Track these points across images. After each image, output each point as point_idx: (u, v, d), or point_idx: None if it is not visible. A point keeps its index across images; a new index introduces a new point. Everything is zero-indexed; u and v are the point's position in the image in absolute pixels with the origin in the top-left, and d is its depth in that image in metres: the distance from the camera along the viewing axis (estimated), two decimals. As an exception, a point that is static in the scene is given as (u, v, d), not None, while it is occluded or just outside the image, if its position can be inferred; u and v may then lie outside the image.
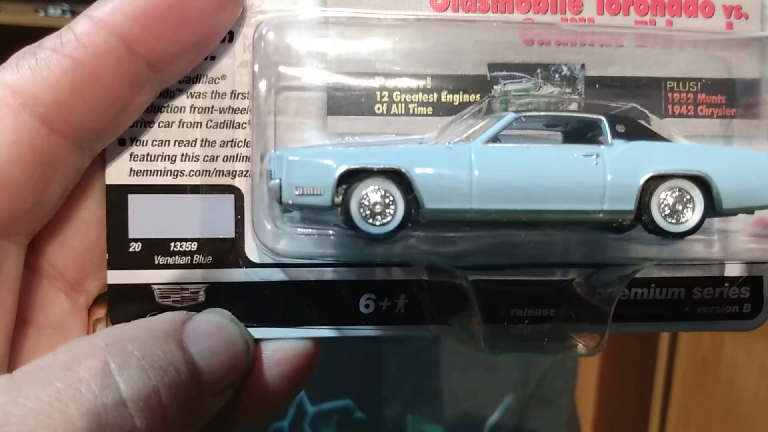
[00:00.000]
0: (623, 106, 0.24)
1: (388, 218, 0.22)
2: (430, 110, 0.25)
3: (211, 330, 0.23)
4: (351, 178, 0.22)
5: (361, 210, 0.22)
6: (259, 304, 0.24)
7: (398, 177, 0.22)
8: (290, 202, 0.22)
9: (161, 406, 0.20)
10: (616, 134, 0.23)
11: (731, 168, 0.23)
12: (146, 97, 0.22)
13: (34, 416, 0.18)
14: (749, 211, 0.24)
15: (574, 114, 0.24)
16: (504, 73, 0.25)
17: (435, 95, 0.24)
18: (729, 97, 0.26)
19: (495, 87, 0.25)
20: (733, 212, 0.24)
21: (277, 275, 0.24)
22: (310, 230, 0.24)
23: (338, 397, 0.79)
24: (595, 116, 0.23)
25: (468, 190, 0.22)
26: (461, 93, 0.25)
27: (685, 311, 0.26)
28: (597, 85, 0.25)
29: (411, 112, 0.24)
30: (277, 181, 0.22)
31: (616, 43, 0.25)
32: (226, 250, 0.24)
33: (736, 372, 1.94)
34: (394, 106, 0.24)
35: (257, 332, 0.24)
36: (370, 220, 0.22)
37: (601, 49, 0.25)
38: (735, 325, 0.27)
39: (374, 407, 0.80)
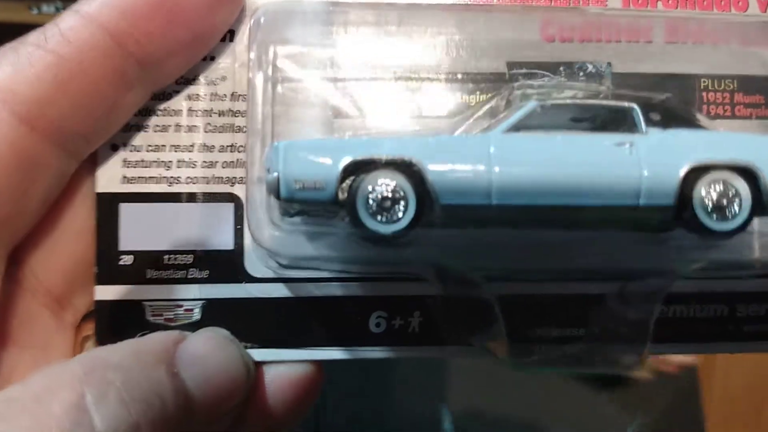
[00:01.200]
0: (657, 96, 0.22)
1: (399, 215, 0.20)
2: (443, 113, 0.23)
3: (207, 351, 0.21)
4: (357, 170, 0.20)
5: (369, 206, 0.20)
6: (260, 322, 0.22)
7: (409, 169, 0.20)
8: (290, 197, 0.20)
9: None
10: (650, 122, 0.21)
11: None
12: (137, 98, 0.21)
13: None
14: None
15: (603, 102, 0.22)
16: (524, 71, 0.23)
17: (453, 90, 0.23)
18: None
19: (513, 85, 0.23)
20: None
21: (280, 291, 0.22)
22: (312, 229, 0.21)
23: None
24: (626, 104, 0.21)
25: (487, 184, 0.20)
26: (477, 93, 0.23)
27: (729, 330, 0.24)
28: (625, 84, 0.23)
29: (423, 114, 0.23)
30: (275, 175, 0.20)
31: (645, 39, 0.24)
32: (224, 264, 0.22)
33: (729, 371, 1.85)
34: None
35: (258, 354, 0.22)
36: (379, 218, 0.20)
37: (629, 45, 0.24)
38: None
39: None
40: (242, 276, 0.22)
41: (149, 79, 0.21)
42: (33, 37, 0.19)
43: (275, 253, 0.21)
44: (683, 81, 0.24)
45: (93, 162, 0.22)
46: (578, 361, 0.22)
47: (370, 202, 0.20)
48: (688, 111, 0.22)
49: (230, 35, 0.22)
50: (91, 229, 0.22)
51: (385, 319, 0.23)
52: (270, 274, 0.22)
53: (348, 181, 0.20)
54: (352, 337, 0.23)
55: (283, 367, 0.22)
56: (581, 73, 0.23)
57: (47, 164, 0.20)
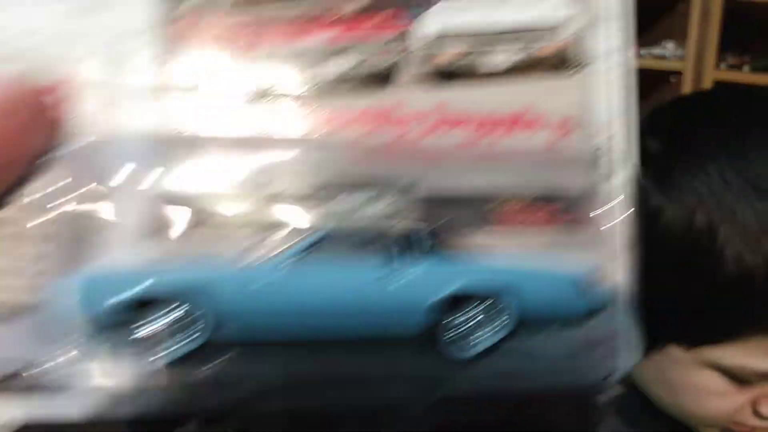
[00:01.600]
0: (438, 221, 0.25)
1: (183, 340, 0.22)
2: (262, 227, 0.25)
3: None
4: (145, 301, 0.22)
5: (154, 335, 0.22)
6: None
7: (195, 298, 0.22)
8: (79, 330, 0.22)
9: None
10: (420, 249, 0.24)
11: (525, 284, 0.23)
12: None
13: None
14: (551, 328, 0.24)
15: (376, 233, 0.24)
16: (338, 187, 0.26)
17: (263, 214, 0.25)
18: (561, 207, 0.27)
19: (327, 203, 0.25)
20: (532, 332, 0.23)
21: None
22: None
23: None
24: (397, 235, 0.24)
25: (263, 310, 0.22)
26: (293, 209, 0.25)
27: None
28: (431, 199, 0.26)
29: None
30: (66, 308, 0.22)
31: (452, 158, 0.27)
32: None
33: None
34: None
35: None
36: (164, 345, 0.22)
37: (436, 164, 0.26)
38: None
39: None
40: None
41: None
42: None
43: None
44: (484, 194, 0.27)
45: None
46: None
47: (154, 334, 0.22)
48: (462, 237, 0.25)
49: None
50: None
51: None
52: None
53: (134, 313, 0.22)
54: None
55: None
56: (391, 189, 0.26)
57: None
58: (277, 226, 0.25)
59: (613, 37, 0.27)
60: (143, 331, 0.22)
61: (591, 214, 0.27)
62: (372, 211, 0.26)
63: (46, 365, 0.22)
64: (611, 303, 0.24)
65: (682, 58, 1.73)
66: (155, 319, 0.22)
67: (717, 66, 1.72)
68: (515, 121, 0.27)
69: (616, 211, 0.27)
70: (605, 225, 0.27)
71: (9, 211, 0.24)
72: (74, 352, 0.22)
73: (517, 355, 0.24)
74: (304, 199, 0.25)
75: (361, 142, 0.26)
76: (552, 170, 0.27)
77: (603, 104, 0.27)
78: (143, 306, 0.22)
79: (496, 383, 0.23)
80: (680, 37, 1.74)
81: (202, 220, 0.24)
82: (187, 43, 0.25)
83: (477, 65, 0.27)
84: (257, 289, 0.22)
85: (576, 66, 0.27)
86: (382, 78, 0.26)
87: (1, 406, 0.22)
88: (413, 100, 0.26)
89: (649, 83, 1.78)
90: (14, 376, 0.22)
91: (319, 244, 0.23)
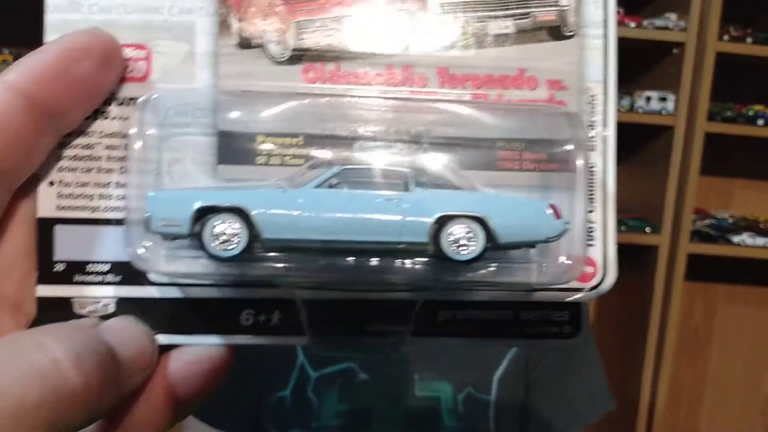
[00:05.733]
0: (434, 163, 0.31)
1: (234, 245, 0.29)
2: (302, 162, 0.31)
3: (120, 326, 0.29)
4: (204, 213, 0.29)
5: (212, 238, 0.29)
6: (157, 315, 0.30)
7: (241, 213, 0.29)
8: (157, 231, 0.29)
9: (87, 367, 0.25)
10: (419, 184, 0.30)
11: (505, 210, 0.30)
12: (49, 142, 0.29)
13: None
14: (527, 245, 0.31)
15: (386, 168, 0.30)
16: (362, 132, 0.31)
17: (306, 150, 0.31)
18: (549, 155, 0.32)
19: (354, 145, 0.31)
20: (512, 246, 0.30)
21: (173, 292, 0.31)
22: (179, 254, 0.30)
23: (341, 361, 0.79)
24: (403, 169, 0.30)
25: (295, 224, 0.29)
26: (327, 149, 0.31)
27: (513, 331, 0.32)
28: (439, 144, 0.31)
29: (286, 163, 0.31)
30: (148, 215, 0.29)
31: (456, 110, 0.31)
32: (132, 271, 0.30)
33: (727, 341, 2.04)
34: (272, 158, 0.31)
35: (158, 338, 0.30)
36: (219, 247, 0.29)
37: (444, 115, 0.31)
38: (557, 343, 0.33)
39: (378, 368, 0.80)
40: (145, 281, 0.30)
41: (57, 127, 0.28)
42: None
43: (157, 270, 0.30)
44: (483, 142, 0.31)
45: (24, 193, 0.29)
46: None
47: (213, 236, 0.29)
48: (449, 177, 0.31)
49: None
50: (32, 247, 0.29)
51: (252, 315, 0.31)
52: (166, 280, 0.30)
53: (199, 221, 0.29)
54: (228, 329, 0.31)
55: (191, 349, 0.30)
56: (405, 136, 0.31)
57: None
58: (312, 159, 0.31)
59: (601, 9, 0.31)
60: (204, 235, 0.29)
61: (572, 164, 0.31)
62: (388, 152, 0.31)
63: (133, 258, 0.29)
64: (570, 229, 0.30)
65: (684, 30, 1.75)
66: (213, 225, 0.29)
67: (720, 38, 1.74)
68: (514, 79, 0.31)
69: (594, 162, 0.31)
70: (583, 174, 0.31)
71: (91, 139, 0.30)
72: (151, 248, 0.29)
73: (501, 259, 0.31)
74: (337, 140, 0.31)
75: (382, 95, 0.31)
76: (542, 123, 0.32)
77: (591, 68, 0.32)
78: (203, 215, 0.29)
79: (484, 278, 0.31)
80: (683, 9, 1.76)
81: (254, 154, 0.30)
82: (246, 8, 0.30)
83: (484, 29, 0.31)
84: (294, 206, 0.29)
85: (571, 32, 0.31)
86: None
87: (101, 290, 0.30)
88: (421, 63, 0.31)
89: (652, 55, 1.80)
90: (112, 266, 0.30)
91: (342, 174, 0.30)
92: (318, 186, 0.29)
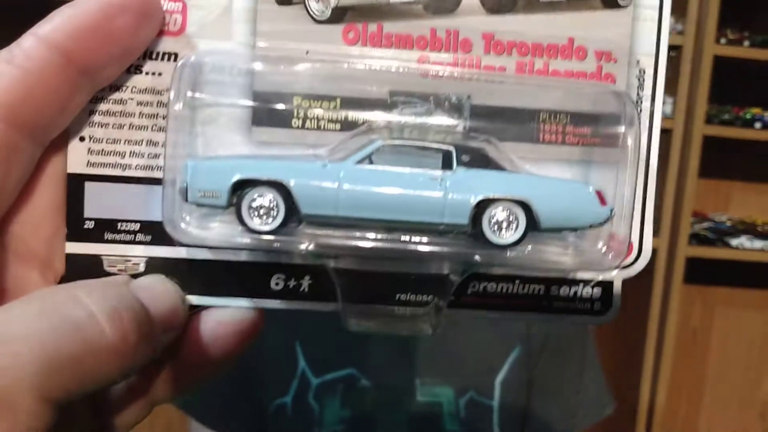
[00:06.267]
0: (478, 139, 0.30)
1: (272, 219, 0.28)
2: (338, 126, 0.29)
3: (152, 284, 0.28)
4: (243, 185, 0.28)
5: (250, 211, 0.28)
6: (188, 276, 0.29)
7: (280, 187, 0.28)
8: (194, 202, 0.28)
9: (122, 321, 0.24)
10: (461, 163, 0.29)
11: (549, 194, 0.29)
12: (83, 98, 0.27)
13: (24, 321, 0.22)
14: (570, 230, 0.30)
15: (430, 144, 0.29)
16: (402, 98, 0.29)
17: (343, 114, 0.29)
18: (593, 129, 0.30)
19: (393, 110, 0.29)
20: (554, 230, 0.30)
21: (204, 254, 0.30)
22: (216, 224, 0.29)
23: (342, 367, 0.79)
24: (445, 146, 0.29)
25: (335, 201, 0.28)
26: (365, 113, 0.29)
27: (543, 305, 0.31)
28: (480, 113, 0.30)
29: (322, 127, 0.29)
30: (185, 185, 0.28)
31: (499, 80, 0.30)
32: (162, 231, 0.29)
33: (725, 344, 2.05)
34: (308, 121, 0.29)
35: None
36: (257, 220, 0.28)
37: (486, 84, 0.30)
38: (587, 320, 0.32)
39: (379, 374, 0.79)
40: (175, 241, 0.29)
41: (91, 83, 0.27)
42: (2, 55, 0.25)
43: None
44: (526, 114, 0.30)
45: (55, 149, 0.28)
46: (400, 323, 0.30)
47: (251, 209, 0.28)
48: (493, 156, 0.30)
49: (174, 57, 0.29)
50: (61, 203, 0.28)
51: (283, 280, 0.30)
52: (197, 242, 0.29)
53: (237, 193, 0.28)
54: (258, 292, 0.30)
55: (221, 311, 0.29)
56: (446, 103, 0.29)
57: (21, 151, 0.26)
58: (352, 127, 0.29)
59: None
60: (242, 207, 0.28)
61: (618, 140, 0.30)
62: (429, 120, 0.29)
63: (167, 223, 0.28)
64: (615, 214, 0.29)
65: (681, 33, 1.75)
66: (251, 198, 0.28)
67: (717, 41, 1.75)
68: (562, 49, 0.30)
69: (641, 140, 0.30)
70: (630, 150, 0.30)
71: (123, 94, 0.29)
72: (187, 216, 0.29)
73: (542, 243, 0.30)
74: (375, 104, 0.29)
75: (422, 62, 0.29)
76: (588, 96, 0.31)
77: (642, 40, 0.31)
78: (242, 187, 0.28)
79: (523, 262, 0.30)
80: (680, 12, 1.76)
81: (290, 116, 0.29)
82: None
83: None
84: (334, 181, 0.28)
85: (625, 2, 0.30)
86: (445, 4, 0.29)
87: (131, 249, 0.29)
88: (467, 27, 0.30)
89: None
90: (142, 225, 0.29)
91: (383, 150, 0.29)
92: (359, 162, 0.28)
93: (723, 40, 1.78)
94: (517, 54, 0.30)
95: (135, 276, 0.29)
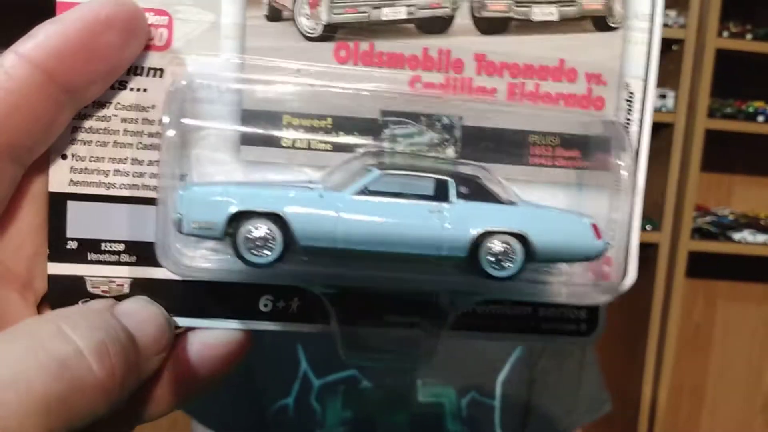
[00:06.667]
0: (473, 169, 0.30)
1: (269, 251, 0.28)
2: (329, 147, 0.29)
3: (137, 309, 0.27)
4: (239, 218, 0.27)
5: (247, 243, 0.27)
6: (175, 298, 0.29)
7: (278, 220, 0.27)
8: (189, 233, 0.27)
9: (110, 356, 0.24)
10: (460, 194, 0.29)
11: (546, 227, 0.29)
12: (66, 117, 0.27)
13: (9, 362, 0.22)
14: (565, 261, 0.30)
15: (428, 175, 0.29)
16: (393, 118, 0.29)
17: (334, 134, 0.29)
18: (583, 152, 0.31)
19: (384, 130, 0.29)
20: (550, 262, 0.30)
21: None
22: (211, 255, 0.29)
23: (343, 369, 0.79)
24: (445, 178, 0.29)
25: (333, 233, 0.27)
26: (356, 133, 0.29)
27: (531, 326, 0.32)
28: (471, 135, 0.30)
29: (312, 147, 0.29)
30: (179, 216, 0.27)
31: (491, 101, 0.30)
32: (148, 252, 0.28)
33: (728, 337, 2.05)
34: (298, 141, 0.29)
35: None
36: (254, 252, 0.27)
37: (477, 105, 0.30)
38: (573, 341, 0.32)
39: (381, 375, 0.79)
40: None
41: (75, 102, 0.27)
42: None
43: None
44: (516, 135, 0.30)
45: (37, 167, 0.28)
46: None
47: (248, 240, 0.27)
48: (490, 187, 0.30)
49: (160, 72, 0.28)
50: (43, 223, 0.28)
51: (271, 302, 0.30)
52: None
53: (233, 224, 0.27)
54: (246, 314, 0.30)
55: (208, 332, 0.29)
56: (438, 123, 0.30)
57: (2, 171, 0.25)
58: (342, 147, 0.29)
59: (649, 1, 0.30)
60: (238, 240, 0.28)
61: (608, 163, 0.30)
62: (419, 141, 0.29)
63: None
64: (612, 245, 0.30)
65: (683, 27, 1.74)
66: (248, 230, 0.27)
67: (719, 34, 1.74)
68: (553, 71, 0.30)
69: (630, 162, 0.30)
70: (620, 173, 0.30)
71: (107, 111, 0.28)
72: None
73: (540, 275, 0.30)
74: (365, 125, 0.29)
75: (413, 82, 0.29)
76: (578, 118, 0.31)
77: (632, 63, 0.31)
78: (238, 219, 0.28)
79: (521, 294, 0.30)
80: (682, 6, 1.75)
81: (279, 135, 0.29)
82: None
83: (528, 15, 0.30)
84: (332, 214, 0.27)
85: (616, 24, 0.30)
86: (437, 24, 0.30)
87: (115, 270, 0.29)
88: (459, 47, 0.30)
89: (652, 49, 1.79)
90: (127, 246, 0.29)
91: (382, 180, 0.28)
92: (357, 193, 0.28)
93: (725, 34, 1.77)
94: (509, 75, 0.30)
95: (119, 298, 0.28)
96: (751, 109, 1.82)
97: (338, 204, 0.28)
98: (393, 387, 0.80)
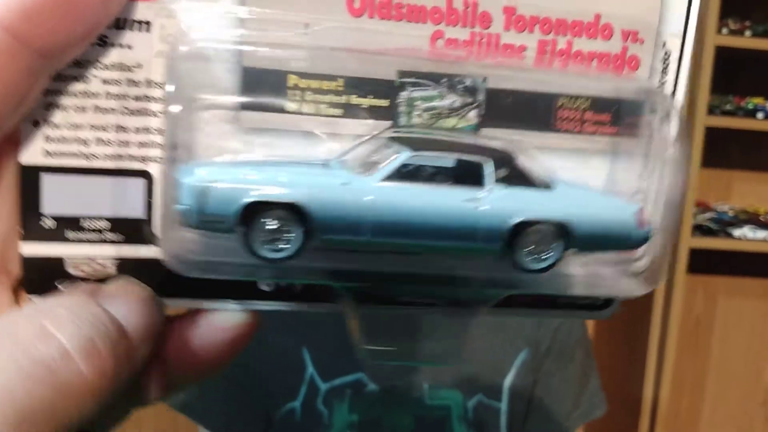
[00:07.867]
0: (504, 145, 0.27)
1: (286, 245, 0.24)
2: (340, 111, 0.26)
3: (124, 293, 0.24)
4: (253, 209, 0.24)
5: (261, 238, 0.24)
6: (167, 278, 0.25)
7: (297, 210, 0.24)
8: (196, 227, 0.24)
9: (99, 354, 0.21)
10: (495, 178, 0.26)
11: (587, 215, 0.26)
12: (42, 83, 0.23)
13: None
14: (604, 250, 0.28)
15: (463, 156, 0.26)
16: (412, 80, 0.26)
17: (345, 97, 0.26)
18: (614, 116, 0.28)
19: (401, 93, 0.26)
20: (588, 251, 0.27)
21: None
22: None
23: (349, 372, 0.78)
24: (479, 161, 0.26)
25: (358, 225, 0.24)
26: (370, 96, 0.26)
27: (547, 302, 0.29)
28: (496, 97, 0.27)
29: (321, 111, 0.26)
30: (185, 207, 0.24)
31: (516, 62, 0.27)
32: (136, 229, 0.25)
33: (728, 333, 2.05)
34: (305, 105, 0.26)
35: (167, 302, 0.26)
36: (268, 247, 0.24)
37: (502, 66, 0.27)
38: (588, 315, 0.30)
39: (388, 379, 0.79)
40: (151, 239, 0.25)
41: (51, 67, 0.23)
42: None
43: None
44: (543, 98, 0.27)
45: (9, 141, 0.24)
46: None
47: (262, 234, 0.24)
48: (526, 167, 0.27)
49: (147, 26, 0.24)
50: (15, 198, 0.25)
51: (273, 282, 0.27)
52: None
53: (245, 217, 0.24)
54: (246, 294, 0.27)
55: (217, 315, 0.26)
56: (460, 86, 0.27)
57: None
58: (358, 110, 0.26)
59: None
60: (252, 234, 0.24)
61: (642, 128, 0.28)
62: (439, 105, 0.27)
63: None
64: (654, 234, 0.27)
65: (684, 22, 1.72)
66: (263, 223, 0.24)
67: (718, 31, 1.72)
68: (588, 26, 0.27)
69: (666, 128, 0.28)
70: (654, 140, 0.27)
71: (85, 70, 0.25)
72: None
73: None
74: (380, 87, 0.26)
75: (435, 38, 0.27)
76: (610, 79, 0.28)
77: (671, 21, 0.28)
78: (252, 210, 0.24)
79: (557, 288, 0.28)
80: (682, 0, 1.73)
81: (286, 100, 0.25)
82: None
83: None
84: (358, 203, 0.24)
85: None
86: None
87: (99, 249, 0.26)
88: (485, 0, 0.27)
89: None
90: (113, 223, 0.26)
91: (411, 162, 0.25)
92: (384, 179, 0.25)
93: (724, 30, 1.75)
94: (540, 32, 0.27)
95: (102, 280, 0.25)
96: (750, 106, 1.81)
97: (365, 192, 0.24)
98: (399, 390, 0.79)
